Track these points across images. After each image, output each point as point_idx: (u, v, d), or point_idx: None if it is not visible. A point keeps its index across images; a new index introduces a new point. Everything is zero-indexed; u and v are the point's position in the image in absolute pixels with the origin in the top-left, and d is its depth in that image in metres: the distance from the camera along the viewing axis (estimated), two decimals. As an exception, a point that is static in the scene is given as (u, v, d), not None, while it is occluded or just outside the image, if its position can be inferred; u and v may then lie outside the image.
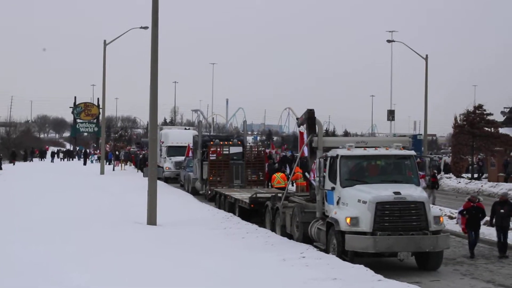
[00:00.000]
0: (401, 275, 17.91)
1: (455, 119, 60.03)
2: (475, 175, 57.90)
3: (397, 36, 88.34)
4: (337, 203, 19.56)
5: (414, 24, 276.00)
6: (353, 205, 18.77)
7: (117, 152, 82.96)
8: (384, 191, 18.55)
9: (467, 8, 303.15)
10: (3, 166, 71.93)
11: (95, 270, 15.89)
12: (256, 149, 40.41)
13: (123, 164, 75.30)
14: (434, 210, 19.38)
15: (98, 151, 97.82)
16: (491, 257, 21.26)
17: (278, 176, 34.02)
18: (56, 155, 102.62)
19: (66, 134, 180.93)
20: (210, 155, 38.00)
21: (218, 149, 38.11)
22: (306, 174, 25.57)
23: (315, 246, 20.33)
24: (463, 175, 59.10)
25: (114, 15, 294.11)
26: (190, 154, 45.76)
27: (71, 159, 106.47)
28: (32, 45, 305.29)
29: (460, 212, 21.78)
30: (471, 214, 21.39)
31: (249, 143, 50.25)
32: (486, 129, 58.33)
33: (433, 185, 36.72)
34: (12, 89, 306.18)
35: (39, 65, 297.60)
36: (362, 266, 16.98)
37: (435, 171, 40.25)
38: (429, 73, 59.76)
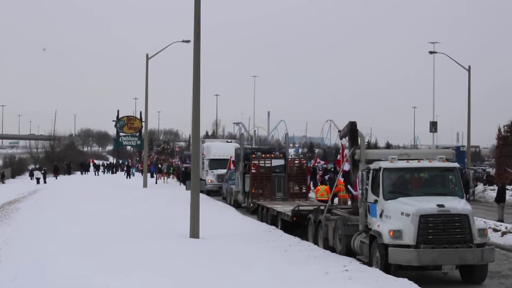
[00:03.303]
0: (446, 288, 17.76)
1: (499, 130, 59.37)
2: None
3: (439, 47, 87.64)
4: (380, 215, 19.46)
5: (456, 35, 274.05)
6: (396, 217, 18.64)
7: (159, 165, 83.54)
8: (428, 204, 18.39)
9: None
10: (47, 179, 72.97)
11: (138, 283, 16.01)
12: (298, 161, 40.35)
13: (165, 177, 75.74)
14: (478, 222, 19.16)
15: (139, 164, 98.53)
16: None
17: (322, 188, 33.63)
18: (97, 169, 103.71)
19: (109, 147, 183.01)
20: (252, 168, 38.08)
21: (259, 163, 38.15)
22: (349, 186, 25.48)
23: (358, 259, 20.23)
24: (507, 186, 58.32)
25: (157, 29, 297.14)
26: (232, 167, 45.82)
27: (112, 172, 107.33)
28: (76, 61, 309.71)
29: None
30: None
31: (291, 156, 50.19)
32: (531, 140, 57.55)
33: (500, 199, 36.14)
34: (56, 103, 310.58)
35: (82, 80, 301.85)
36: (405, 279, 16.85)
37: (504, 183, 39.37)
38: (472, 84, 59.25)
